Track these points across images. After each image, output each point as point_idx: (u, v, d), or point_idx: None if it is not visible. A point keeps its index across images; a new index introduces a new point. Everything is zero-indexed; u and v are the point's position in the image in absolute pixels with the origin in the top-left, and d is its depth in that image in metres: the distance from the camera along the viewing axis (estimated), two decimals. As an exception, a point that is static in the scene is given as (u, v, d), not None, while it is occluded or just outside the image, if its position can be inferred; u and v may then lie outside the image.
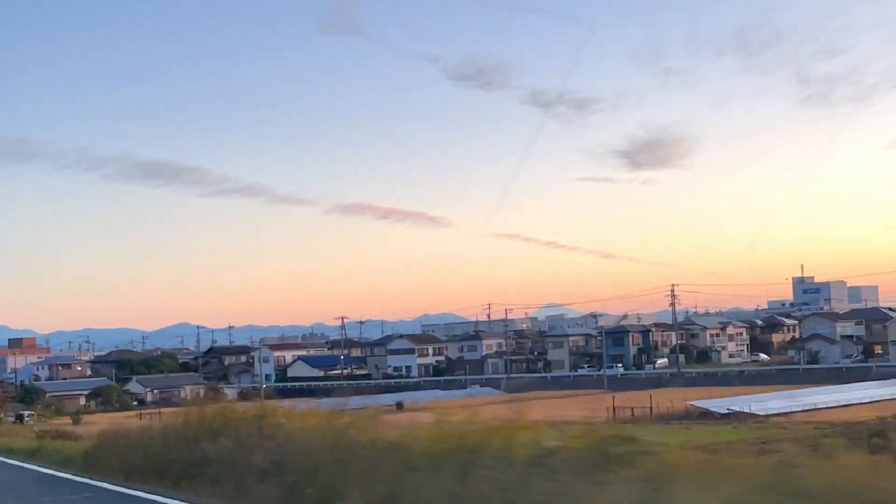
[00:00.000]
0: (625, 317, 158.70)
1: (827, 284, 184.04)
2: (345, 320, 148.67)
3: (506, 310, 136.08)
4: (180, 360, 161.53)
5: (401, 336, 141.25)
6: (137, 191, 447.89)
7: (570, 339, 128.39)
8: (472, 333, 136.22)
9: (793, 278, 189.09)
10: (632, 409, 57.45)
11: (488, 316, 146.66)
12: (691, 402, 60.44)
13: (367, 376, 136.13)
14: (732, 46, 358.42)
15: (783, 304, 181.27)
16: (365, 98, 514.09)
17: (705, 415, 59.69)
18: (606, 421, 59.16)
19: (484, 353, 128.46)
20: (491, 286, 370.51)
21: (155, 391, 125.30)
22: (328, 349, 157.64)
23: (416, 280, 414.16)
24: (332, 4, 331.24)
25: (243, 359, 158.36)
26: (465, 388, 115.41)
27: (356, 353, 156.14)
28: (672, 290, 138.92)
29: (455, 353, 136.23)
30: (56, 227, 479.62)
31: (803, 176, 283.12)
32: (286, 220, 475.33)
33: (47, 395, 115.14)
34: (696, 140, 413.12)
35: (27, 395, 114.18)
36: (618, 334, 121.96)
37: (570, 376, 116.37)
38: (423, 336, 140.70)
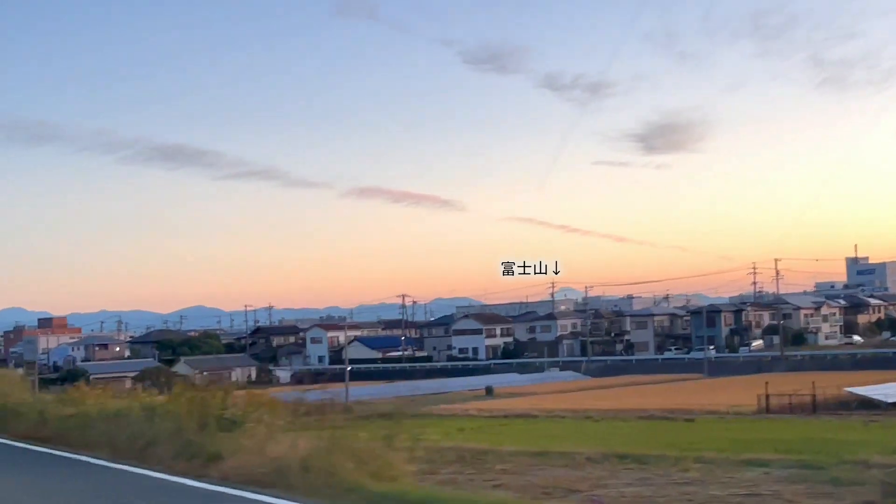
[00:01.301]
0: (665, 298, 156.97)
1: (883, 265, 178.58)
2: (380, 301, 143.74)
3: (587, 287, 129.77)
4: (224, 342, 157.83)
5: (466, 315, 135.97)
6: (153, 174, 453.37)
7: (655, 318, 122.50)
8: (547, 313, 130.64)
9: (846, 258, 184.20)
10: (789, 396, 51.59)
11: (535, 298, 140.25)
12: (848, 389, 54.46)
13: (429, 358, 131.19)
14: (748, 30, 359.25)
15: (832, 286, 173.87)
16: (380, 81, 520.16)
17: (866, 404, 53.51)
18: (758, 410, 53.68)
19: (559, 334, 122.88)
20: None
21: (204, 373, 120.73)
22: (381, 329, 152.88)
23: (428, 263, 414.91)
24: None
25: (292, 339, 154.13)
26: (541, 371, 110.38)
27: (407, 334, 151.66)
28: (754, 269, 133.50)
29: (523, 333, 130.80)
30: (72, 209, 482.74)
31: (819, 159, 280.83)
32: (301, 203, 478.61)
33: (90, 376, 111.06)
34: (711, 124, 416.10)
35: (69, 377, 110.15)
36: (708, 314, 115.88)
37: (657, 359, 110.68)
38: (491, 315, 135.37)
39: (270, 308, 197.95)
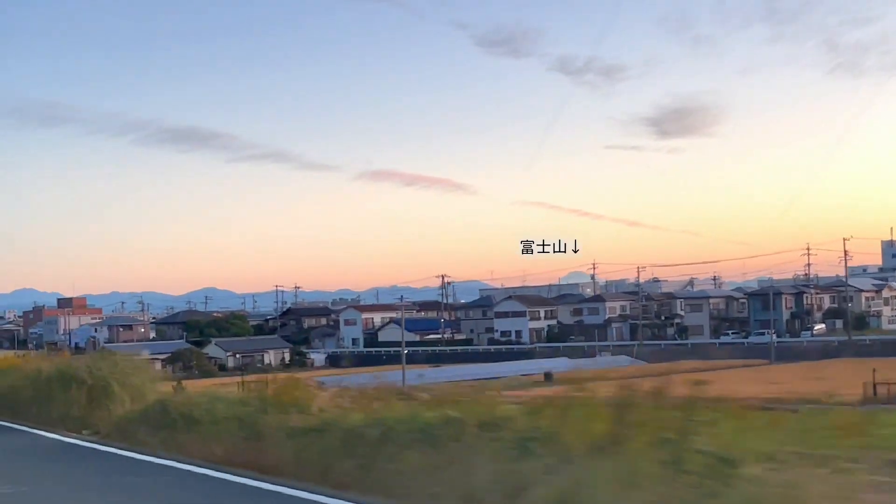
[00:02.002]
0: (690, 282, 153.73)
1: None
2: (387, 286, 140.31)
3: (638, 268, 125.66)
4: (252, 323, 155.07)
5: (509, 297, 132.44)
6: (165, 156, 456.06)
7: (711, 301, 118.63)
8: (595, 295, 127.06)
9: (882, 242, 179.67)
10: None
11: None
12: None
13: (469, 341, 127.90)
14: (761, 15, 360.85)
15: (864, 270, 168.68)
16: (393, 64, 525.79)
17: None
18: (864, 400, 50.04)
19: (607, 317, 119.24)
20: (516, 252, 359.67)
21: (237, 355, 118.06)
22: (417, 311, 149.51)
23: (440, 246, 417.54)
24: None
25: (323, 321, 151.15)
26: (592, 355, 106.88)
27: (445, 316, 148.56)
28: (808, 251, 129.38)
29: (566, 316, 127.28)
30: (84, 191, 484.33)
31: (832, 144, 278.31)
32: (313, 186, 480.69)
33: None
34: (724, 109, 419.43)
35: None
36: (767, 297, 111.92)
37: (714, 344, 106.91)
38: (534, 297, 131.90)
39: (297, 290, 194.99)
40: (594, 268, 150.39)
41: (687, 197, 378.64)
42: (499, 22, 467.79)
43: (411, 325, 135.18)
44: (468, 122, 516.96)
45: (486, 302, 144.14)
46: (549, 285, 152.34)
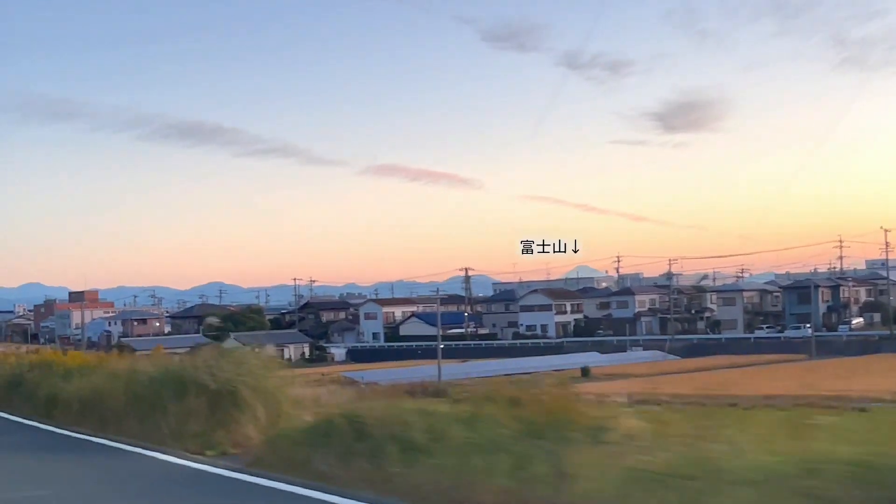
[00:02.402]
0: (704, 276, 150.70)
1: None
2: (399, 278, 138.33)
3: (670, 260, 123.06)
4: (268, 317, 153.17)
5: (535, 291, 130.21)
6: (171, 151, 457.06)
7: (744, 294, 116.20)
8: (624, 288, 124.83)
9: None
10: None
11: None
12: None
13: (493, 336, 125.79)
14: (768, 9, 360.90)
15: (882, 264, 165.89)
16: (399, 60, 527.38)
17: None
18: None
19: (636, 311, 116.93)
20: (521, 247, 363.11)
21: (256, 350, 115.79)
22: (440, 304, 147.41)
23: (446, 241, 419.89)
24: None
25: (342, 315, 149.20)
26: (622, 350, 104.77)
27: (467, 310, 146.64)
28: (841, 244, 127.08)
29: (592, 310, 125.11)
30: (90, 185, 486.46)
31: (838, 139, 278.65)
32: (319, 180, 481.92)
33: (137, 353, 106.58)
34: (730, 103, 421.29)
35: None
36: (804, 290, 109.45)
37: (749, 339, 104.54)
38: (560, 291, 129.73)
39: (312, 283, 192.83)
40: (618, 261, 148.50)
41: (692, 192, 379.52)
42: (504, 17, 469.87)
43: (432, 319, 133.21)
44: (473, 117, 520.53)
45: (508, 296, 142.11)
46: (550, 280, 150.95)
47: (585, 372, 76.49)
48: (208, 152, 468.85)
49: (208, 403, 11.90)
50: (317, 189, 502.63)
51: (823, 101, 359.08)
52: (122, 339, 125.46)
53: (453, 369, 77.97)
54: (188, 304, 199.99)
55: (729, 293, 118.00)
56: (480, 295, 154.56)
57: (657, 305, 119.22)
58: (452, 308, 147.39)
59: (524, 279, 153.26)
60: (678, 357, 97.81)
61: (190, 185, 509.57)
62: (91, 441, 13.64)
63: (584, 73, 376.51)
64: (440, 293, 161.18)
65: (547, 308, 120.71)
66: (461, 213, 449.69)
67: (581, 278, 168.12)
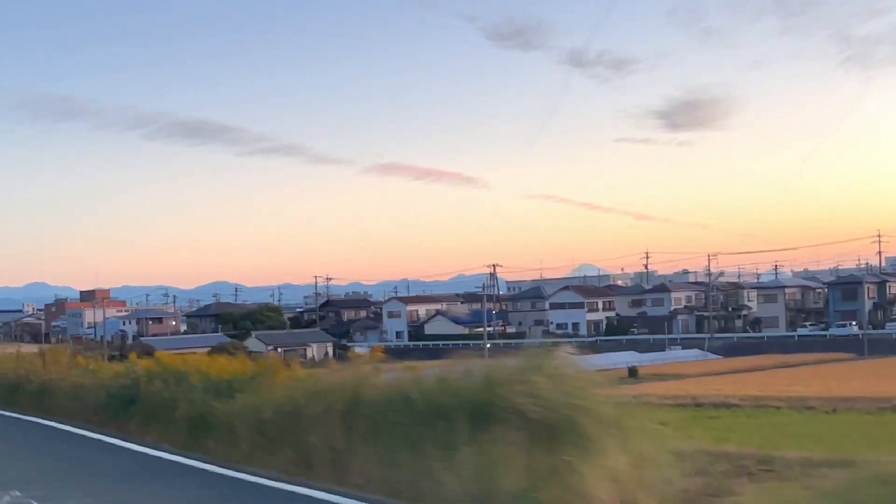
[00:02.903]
0: (721, 273, 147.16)
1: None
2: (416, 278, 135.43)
3: (708, 256, 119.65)
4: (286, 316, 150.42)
5: (566, 287, 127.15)
6: (176, 149, 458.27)
7: (786, 291, 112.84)
8: (659, 285, 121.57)
9: None
10: None
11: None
12: None
13: (521, 334, 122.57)
14: (772, 7, 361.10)
15: None
16: (403, 58, 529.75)
17: None
18: None
19: (672, 308, 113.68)
20: (526, 245, 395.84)
21: (278, 349, 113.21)
22: (462, 303, 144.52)
23: (450, 240, 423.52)
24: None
25: (363, 313, 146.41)
26: (661, 349, 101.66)
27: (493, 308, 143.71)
28: (879, 238, 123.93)
29: (624, 308, 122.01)
30: (95, 184, 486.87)
31: (842, 136, 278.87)
32: (323, 179, 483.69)
33: (156, 353, 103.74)
34: (734, 101, 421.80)
35: (135, 353, 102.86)
36: (849, 287, 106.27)
37: (792, 336, 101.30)
38: (591, 288, 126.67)
39: (328, 282, 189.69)
40: (647, 257, 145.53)
41: (696, 190, 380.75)
42: (508, 15, 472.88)
43: (460, 317, 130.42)
44: (478, 115, 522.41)
45: (535, 293, 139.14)
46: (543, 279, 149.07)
47: (633, 372, 73.57)
48: (213, 151, 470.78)
49: (527, 440, 7.43)
50: (321, 188, 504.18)
51: (827, 99, 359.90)
52: (142, 339, 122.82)
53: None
54: (199, 303, 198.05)
55: (770, 290, 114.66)
56: (502, 293, 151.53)
57: (693, 303, 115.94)
58: (476, 306, 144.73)
59: (552, 276, 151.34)
60: (720, 356, 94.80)
61: (194, 184, 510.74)
62: (296, 492, 9.04)
63: (589, 71, 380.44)
64: (464, 292, 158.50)
65: (578, 306, 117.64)
66: (465, 212, 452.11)
67: (601, 276, 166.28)
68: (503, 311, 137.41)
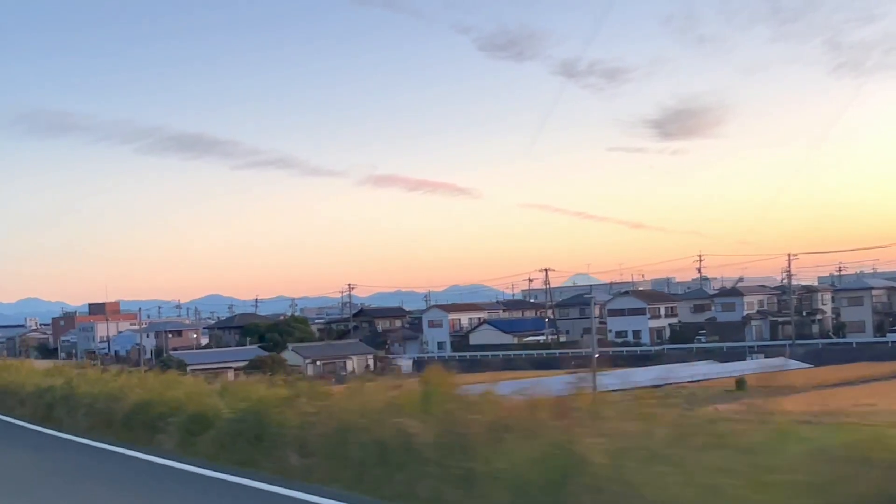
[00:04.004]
0: (740, 279, 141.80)
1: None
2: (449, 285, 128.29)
3: (789, 255, 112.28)
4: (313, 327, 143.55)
5: (626, 292, 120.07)
6: (170, 163, 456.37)
7: (873, 293, 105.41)
8: (730, 289, 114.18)
9: None
10: None
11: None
12: None
13: (576, 343, 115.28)
14: (765, 14, 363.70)
15: None
16: (396, 70, 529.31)
17: None
18: None
19: (745, 313, 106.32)
20: (520, 256, 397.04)
21: (317, 362, 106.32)
22: (503, 311, 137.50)
23: (445, 251, 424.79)
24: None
25: (398, 323, 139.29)
26: (741, 358, 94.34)
27: (528, 314, 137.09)
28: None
29: (686, 314, 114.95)
30: (89, 199, 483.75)
31: (836, 143, 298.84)
32: (317, 192, 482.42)
33: (188, 367, 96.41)
34: (728, 109, 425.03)
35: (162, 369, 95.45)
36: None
37: (886, 342, 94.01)
38: (653, 293, 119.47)
39: (351, 291, 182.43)
40: (700, 260, 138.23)
41: (690, 198, 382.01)
42: (502, 25, 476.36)
43: (506, 326, 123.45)
44: (472, 126, 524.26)
45: (581, 299, 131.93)
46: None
47: (741, 384, 65.84)
48: (207, 165, 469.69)
49: None
50: (315, 200, 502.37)
51: (820, 106, 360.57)
52: (171, 353, 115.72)
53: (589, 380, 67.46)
54: (199, 316, 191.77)
55: (856, 292, 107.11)
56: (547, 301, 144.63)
57: (765, 307, 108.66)
58: (517, 314, 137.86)
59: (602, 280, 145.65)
60: (809, 364, 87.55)
61: (188, 198, 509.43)
62: None
63: (582, 81, 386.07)
64: (504, 299, 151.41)
65: (640, 312, 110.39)
66: (459, 223, 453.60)
67: (626, 283, 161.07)
68: (551, 320, 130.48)
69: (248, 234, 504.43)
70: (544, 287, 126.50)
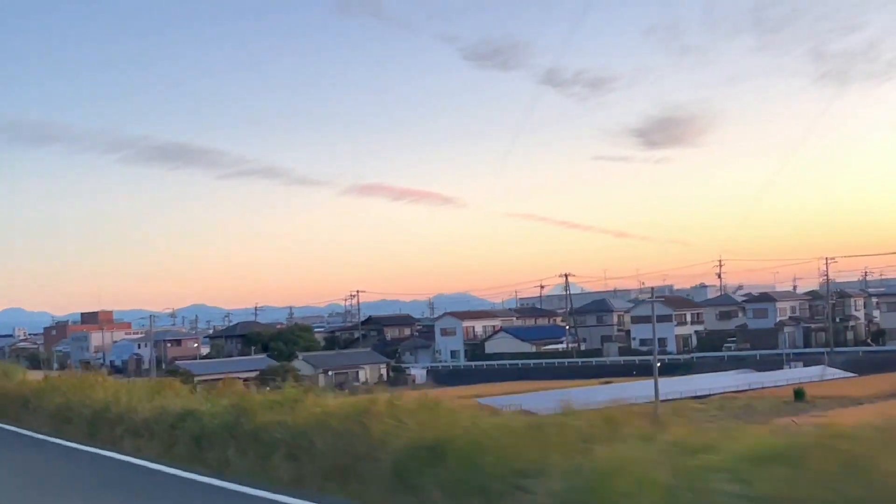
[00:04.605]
0: (739, 287, 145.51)
1: None
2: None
3: (826, 259, 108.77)
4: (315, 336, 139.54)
5: (652, 298, 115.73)
6: (155, 173, 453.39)
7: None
8: (761, 294, 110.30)
9: None
10: None
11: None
12: None
13: (598, 352, 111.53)
14: (749, 24, 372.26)
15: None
16: (381, 78, 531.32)
17: None
18: None
19: (778, 320, 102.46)
20: (505, 265, 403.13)
21: (328, 372, 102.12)
22: (516, 318, 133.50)
23: (430, 260, 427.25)
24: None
25: (407, 332, 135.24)
26: (775, 366, 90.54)
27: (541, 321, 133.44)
28: None
29: (711, 321, 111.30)
30: (73, 209, 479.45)
31: (819, 152, 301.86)
32: (302, 201, 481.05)
33: (195, 378, 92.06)
34: (712, 118, 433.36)
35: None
36: None
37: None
38: (678, 299, 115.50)
39: (358, 296, 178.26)
40: (720, 265, 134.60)
41: (675, 207, 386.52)
42: (487, 35, 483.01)
43: (523, 334, 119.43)
44: (456, 135, 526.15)
45: (600, 306, 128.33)
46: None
47: (800, 395, 62.21)
48: (191, 174, 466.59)
49: None
50: (300, 210, 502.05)
51: (804, 115, 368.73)
52: (176, 363, 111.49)
53: (633, 389, 63.38)
54: (184, 324, 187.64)
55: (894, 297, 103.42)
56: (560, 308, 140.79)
57: (797, 313, 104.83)
58: (530, 322, 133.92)
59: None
60: (852, 374, 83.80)
61: (172, 208, 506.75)
62: None
63: (567, 90, 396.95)
64: (519, 306, 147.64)
65: (666, 318, 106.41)
66: (444, 232, 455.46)
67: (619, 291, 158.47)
68: (574, 327, 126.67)
69: (232, 244, 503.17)
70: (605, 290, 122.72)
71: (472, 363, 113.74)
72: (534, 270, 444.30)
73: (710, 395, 66.82)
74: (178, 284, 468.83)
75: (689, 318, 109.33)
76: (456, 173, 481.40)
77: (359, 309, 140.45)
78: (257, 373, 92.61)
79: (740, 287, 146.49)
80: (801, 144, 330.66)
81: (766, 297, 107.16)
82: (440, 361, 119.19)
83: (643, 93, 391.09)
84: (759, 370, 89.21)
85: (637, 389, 72.14)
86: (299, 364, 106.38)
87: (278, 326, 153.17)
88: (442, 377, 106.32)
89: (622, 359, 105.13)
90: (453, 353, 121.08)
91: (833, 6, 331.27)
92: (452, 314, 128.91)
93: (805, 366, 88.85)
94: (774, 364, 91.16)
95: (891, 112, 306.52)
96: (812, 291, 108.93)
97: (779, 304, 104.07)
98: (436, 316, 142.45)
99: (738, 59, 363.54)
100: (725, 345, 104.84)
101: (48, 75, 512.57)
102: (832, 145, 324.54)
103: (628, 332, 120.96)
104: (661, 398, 63.47)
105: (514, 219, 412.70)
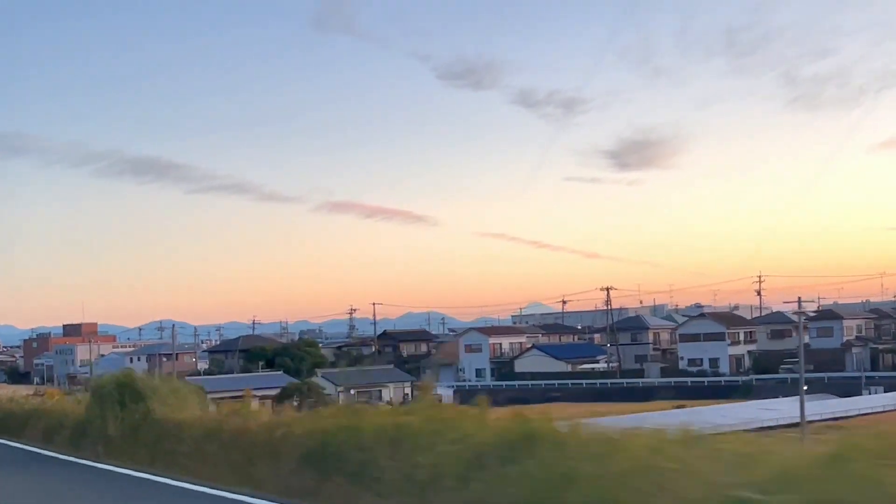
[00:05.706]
0: (736, 307, 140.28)
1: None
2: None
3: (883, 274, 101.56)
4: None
5: (702, 315, 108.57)
6: (126, 187, 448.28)
7: None
8: (825, 311, 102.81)
9: None
10: None
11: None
12: None
13: (640, 372, 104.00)
14: (721, 47, 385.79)
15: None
16: (354, 96, 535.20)
17: None
18: None
19: (844, 340, 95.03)
20: (475, 284, 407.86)
21: (350, 391, 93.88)
22: (542, 335, 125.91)
23: (400, 278, 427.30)
24: (325, 2, 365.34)
25: (423, 348, 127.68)
26: (854, 392, 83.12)
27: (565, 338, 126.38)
28: None
29: (764, 340, 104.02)
30: (42, 222, 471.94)
31: (790, 176, 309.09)
32: (273, 217, 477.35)
33: (207, 395, 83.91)
34: (684, 141, 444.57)
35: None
36: None
37: None
38: (730, 315, 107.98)
39: (352, 314, 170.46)
40: (760, 281, 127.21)
41: (645, 228, 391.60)
42: (461, 54, 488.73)
43: (557, 352, 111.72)
44: (429, 154, 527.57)
45: (634, 323, 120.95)
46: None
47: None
48: (162, 188, 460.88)
49: None
50: (270, 226, 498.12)
51: (775, 139, 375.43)
52: (186, 379, 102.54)
53: (709, 414, 55.52)
54: (152, 342, 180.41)
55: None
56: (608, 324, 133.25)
57: (863, 332, 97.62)
58: (554, 339, 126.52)
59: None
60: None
61: (142, 222, 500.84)
62: None
63: (539, 111, 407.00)
64: (543, 323, 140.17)
65: (718, 337, 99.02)
66: (415, 250, 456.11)
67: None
68: (614, 345, 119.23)
69: (201, 258, 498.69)
70: (606, 309, 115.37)
71: (503, 383, 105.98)
72: (504, 290, 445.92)
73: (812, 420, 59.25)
74: (142, 299, 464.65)
75: (742, 337, 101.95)
76: (428, 192, 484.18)
77: (374, 324, 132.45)
78: (278, 390, 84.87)
79: (736, 307, 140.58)
80: (772, 167, 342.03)
81: (832, 314, 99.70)
82: (466, 380, 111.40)
83: (616, 114, 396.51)
84: (829, 393, 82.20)
85: (715, 415, 64.69)
86: (319, 381, 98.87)
87: (270, 342, 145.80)
88: (468, 397, 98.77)
89: (672, 380, 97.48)
90: (478, 372, 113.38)
91: (805, 32, 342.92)
92: (479, 330, 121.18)
93: (886, 391, 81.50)
94: (846, 388, 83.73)
95: (863, 136, 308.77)
96: (875, 309, 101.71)
97: (846, 323, 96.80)
98: (457, 332, 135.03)
99: (711, 82, 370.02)
100: (782, 366, 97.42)
101: (18, 87, 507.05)
102: (802, 168, 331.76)
103: (664, 350, 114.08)
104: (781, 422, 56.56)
105: (485, 238, 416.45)
